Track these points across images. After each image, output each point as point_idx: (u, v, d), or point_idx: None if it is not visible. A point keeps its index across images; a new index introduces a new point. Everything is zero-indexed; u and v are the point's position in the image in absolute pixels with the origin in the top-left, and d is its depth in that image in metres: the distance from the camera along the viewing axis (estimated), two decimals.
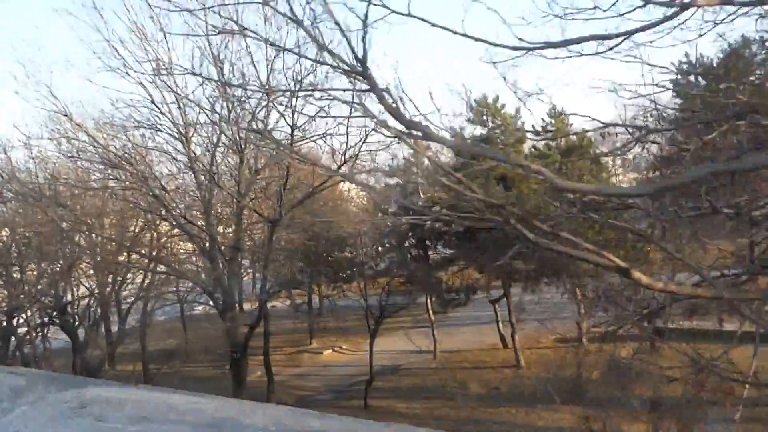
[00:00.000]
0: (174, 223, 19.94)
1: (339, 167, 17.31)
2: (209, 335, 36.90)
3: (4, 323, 22.86)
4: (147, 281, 25.67)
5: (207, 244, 19.90)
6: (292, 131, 16.55)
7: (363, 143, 17.19)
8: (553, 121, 29.21)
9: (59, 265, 22.62)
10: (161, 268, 22.54)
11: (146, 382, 27.65)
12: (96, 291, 24.87)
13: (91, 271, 25.17)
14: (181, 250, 25.40)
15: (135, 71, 17.97)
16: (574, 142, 28.79)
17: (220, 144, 19.22)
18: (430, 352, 32.18)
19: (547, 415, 23.09)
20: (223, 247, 19.84)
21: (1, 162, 21.17)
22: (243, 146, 18.39)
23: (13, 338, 23.22)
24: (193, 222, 19.51)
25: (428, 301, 31.52)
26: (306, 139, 17.01)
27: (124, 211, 21.98)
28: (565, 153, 28.44)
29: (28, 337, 22.99)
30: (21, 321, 23.58)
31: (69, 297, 23.66)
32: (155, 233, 23.22)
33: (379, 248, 30.27)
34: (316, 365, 34.91)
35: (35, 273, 23.20)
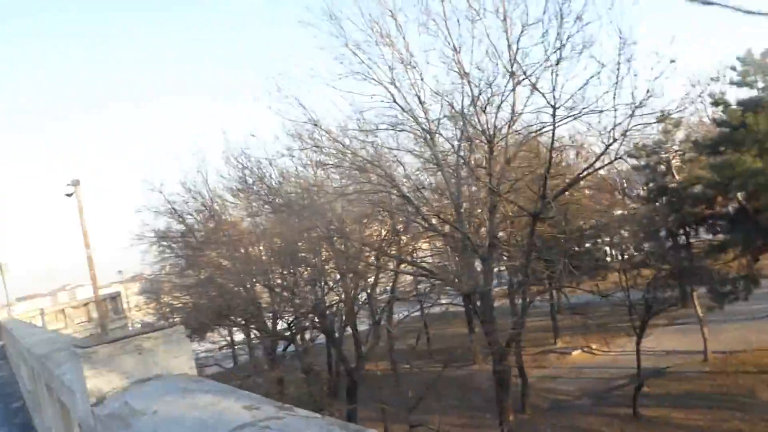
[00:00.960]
0: (425, 224, 19.33)
1: (607, 147, 15.24)
2: (448, 334, 36.70)
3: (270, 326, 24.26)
4: (391, 282, 25.73)
5: (458, 243, 19.03)
6: (554, 110, 14.86)
7: (631, 116, 14.68)
8: None
9: (315, 270, 23.39)
10: (410, 268, 22.21)
11: (396, 381, 27.86)
12: (343, 294, 25.40)
13: (338, 276, 25.74)
14: (421, 250, 25.02)
15: (374, 73, 17.74)
16: None
17: (464, 136, 18.19)
18: (699, 353, 28.35)
19: None
20: (474, 245, 18.78)
21: (254, 175, 22.31)
22: (493, 135, 17.14)
23: (280, 340, 24.57)
24: (446, 220, 18.73)
25: (692, 295, 27.77)
26: (571, 117, 15.16)
27: (369, 215, 21.96)
28: None
29: (297, 338, 24.10)
30: (285, 324, 24.89)
31: (325, 300, 24.37)
32: (402, 234, 22.99)
33: (632, 237, 27.23)
34: (565, 366, 32.64)
35: (294, 279, 24.25)
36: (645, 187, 28.08)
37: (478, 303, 19.96)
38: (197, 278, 23.87)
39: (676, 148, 26.08)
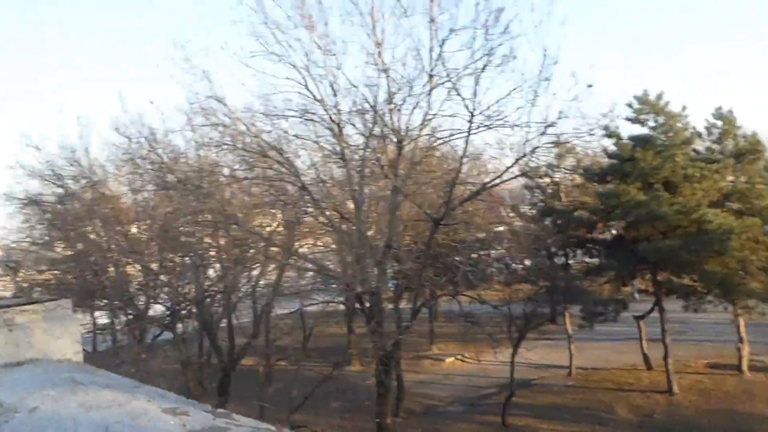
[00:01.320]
0: (322, 217, 18.71)
1: (516, 161, 15.42)
2: (327, 333, 36.11)
3: (141, 311, 22.59)
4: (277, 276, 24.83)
5: (355, 242, 18.55)
6: (471, 117, 14.79)
7: (543, 134, 14.91)
8: (718, 122, 26.30)
9: (198, 256, 22.06)
10: (301, 263, 21.45)
11: (269, 378, 26.94)
12: (226, 283, 24.21)
13: (222, 264, 24.48)
14: (315, 245, 24.32)
15: (289, 56, 16.93)
16: (744, 145, 25.61)
17: (374, 133, 17.78)
18: (564, 368, 29.82)
19: None
20: (372, 245, 18.41)
21: (145, 148, 20.64)
22: (404, 135, 16.87)
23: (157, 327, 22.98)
24: (345, 216, 18.20)
25: (565, 312, 29.11)
26: (487, 126, 15.15)
27: (264, 203, 20.98)
28: (736, 157, 25.34)
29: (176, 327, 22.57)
30: (159, 310, 23.32)
31: (205, 288, 23.06)
32: (296, 227, 22.15)
33: (518, 253, 28.06)
34: (439, 373, 33.21)
35: (172, 264, 22.76)
36: (533, 206, 29.14)
37: (367, 304, 19.64)
38: (69, 252, 21.78)
39: (566, 172, 27.22)
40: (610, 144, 25.41)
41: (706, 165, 23.88)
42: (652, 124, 24.92)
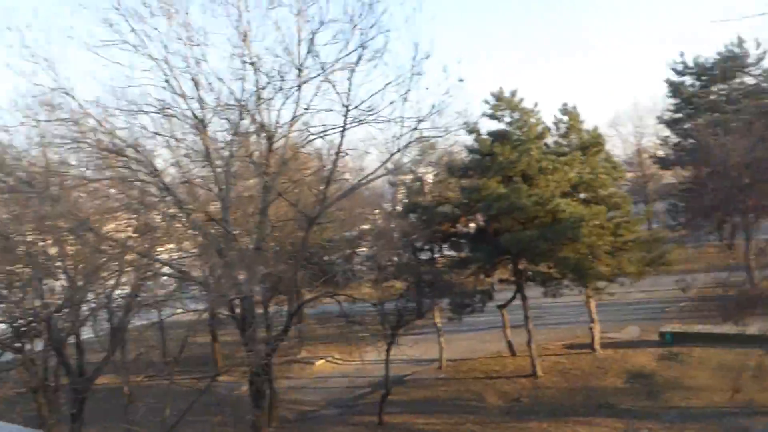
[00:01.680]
0: (186, 220, 17.47)
1: (390, 156, 15.29)
2: (191, 342, 34.11)
3: None
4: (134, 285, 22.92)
5: (222, 244, 17.53)
6: (347, 112, 14.43)
7: (415, 129, 14.93)
8: (565, 117, 28.01)
9: (41, 267, 19.79)
10: (164, 269, 19.94)
11: (130, 396, 24.92)
12: (73, 296, 21.98)
13: (70, 274, 22.22)
14: (182, 250, 22.74)
15: (146, 47, 15.65)
16: (588, 138, 27.51)
17: (241, 129, 16.91)
18: (435, 362, 30.42)
19: (582, 429, 21.48)
20: (242, 248, 17.49)
21: None
22: (273, 131, 16.17)
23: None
24: (212, 217, 17.13)
25: (433, 306, 29.61)
26: (361, 121, 14.82)
27: (120, 206, 19.23)
28: (581, 150, 27.12)
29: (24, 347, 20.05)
30: None
31: (51, 302, 20.72)
32: (157, 230, 20.51)
33: (386, 250, 28.09)
34: (310, 377, 32.59)
35: (11, 276, 20.23)
36: (397, 203, 29.44)
37: (238, 311, 18.71)
38: None
39: (430, 168, 27.77)
40: (470, 140, 26.25)
41: (557, 158, 25.35)
42: (508, 119, 26.02)
